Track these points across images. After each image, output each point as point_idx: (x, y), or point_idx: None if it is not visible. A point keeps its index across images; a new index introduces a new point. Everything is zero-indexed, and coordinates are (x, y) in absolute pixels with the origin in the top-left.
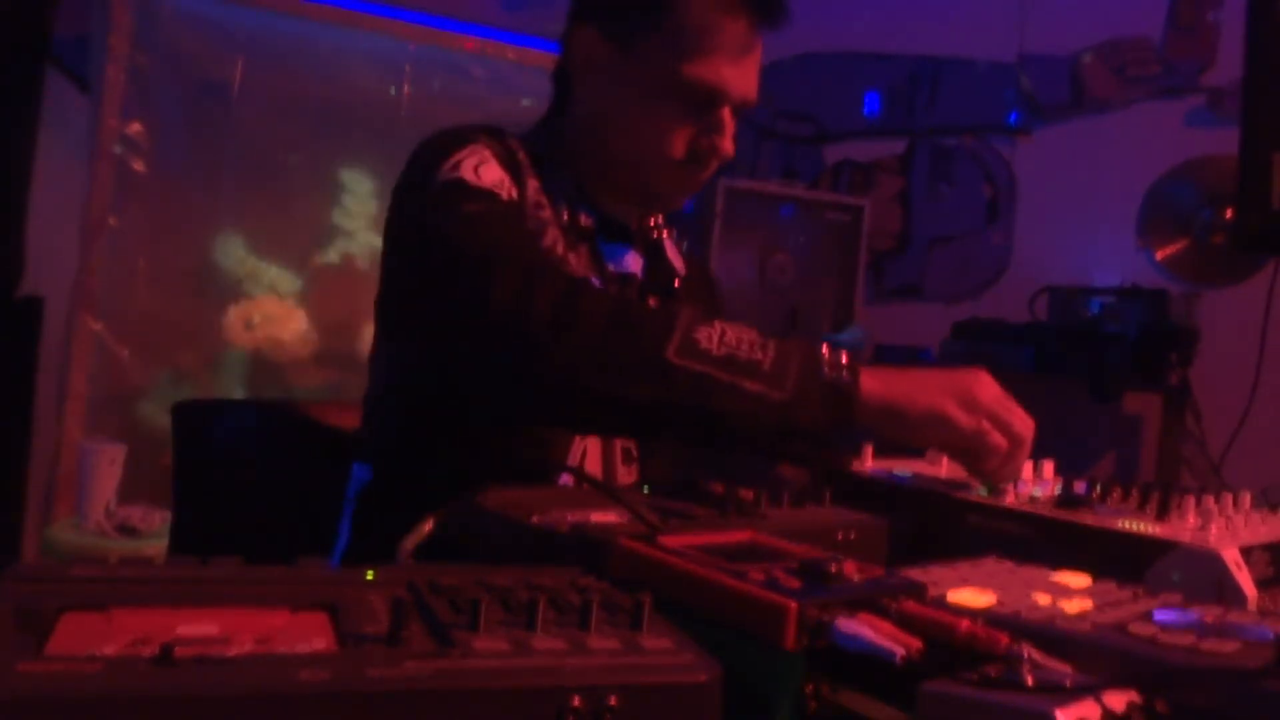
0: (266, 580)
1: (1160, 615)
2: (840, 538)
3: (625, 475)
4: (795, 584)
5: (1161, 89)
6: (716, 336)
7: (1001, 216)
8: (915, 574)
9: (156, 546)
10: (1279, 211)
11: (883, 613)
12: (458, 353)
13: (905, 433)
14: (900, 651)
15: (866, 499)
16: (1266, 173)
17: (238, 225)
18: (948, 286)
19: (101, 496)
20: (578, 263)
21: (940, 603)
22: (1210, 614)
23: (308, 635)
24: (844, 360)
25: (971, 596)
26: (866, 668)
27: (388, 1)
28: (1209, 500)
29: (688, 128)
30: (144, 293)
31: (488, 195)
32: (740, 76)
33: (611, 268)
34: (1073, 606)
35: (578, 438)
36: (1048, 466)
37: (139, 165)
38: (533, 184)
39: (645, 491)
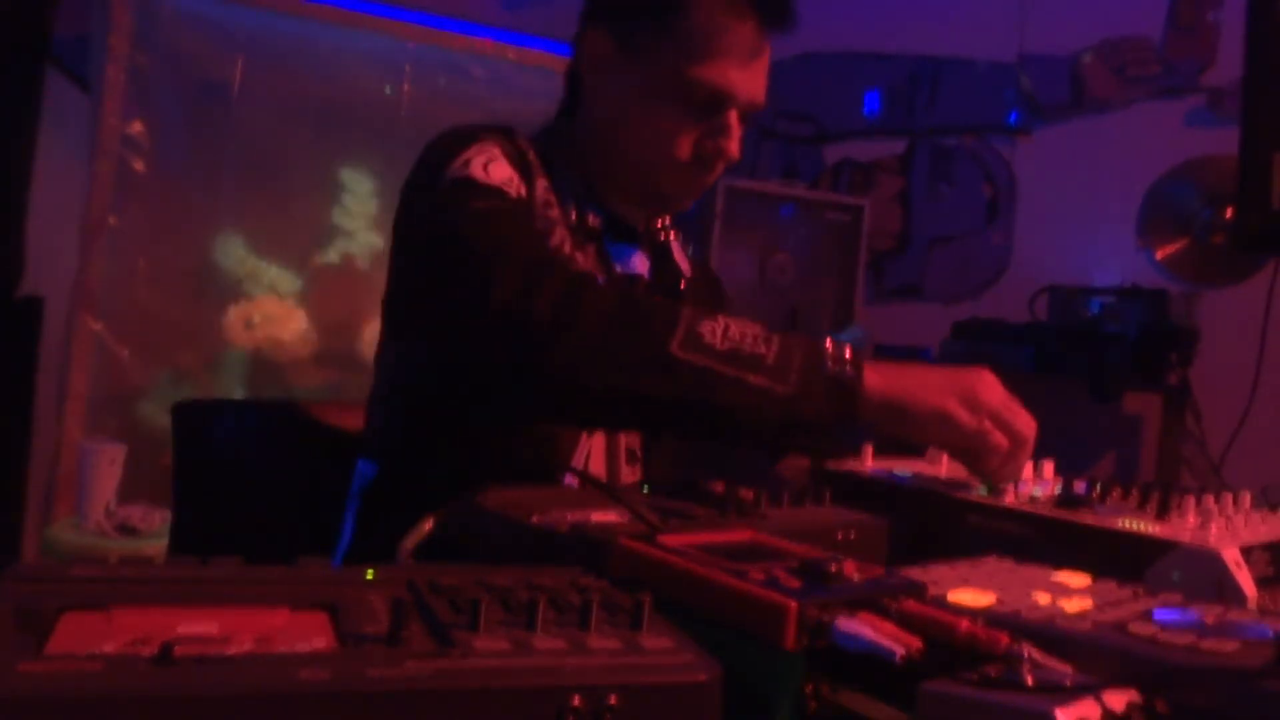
0: (266, 580)
1: (1160, 615)
2: (840, 538)
3: (629, 475)
4: (795, 584)
5: (1161, 89)
6: (720, 331)
7: (1001, 216)
8: (915, 574)
9: (156, 546)
10: (1279, 211)
11: (883, 612)
12: (463, 349)
13: (908, 429)
14: (900, 651)
15: (866, 499)
16: (1266, 173)
17: (238, 225)
18: (948, 286)
19: (101, 496)
20: (585, 262)
21: (940, 602)
22: (1210, 613)
23: (308, 635)
24: (847, 355)
25: (971, 596)
26: (866, 667)
27: (388, 1)
28: (1209, 500)
29: (694, 130)
30: (144, 293)
31: (496, 192)
32: (747, 80)
33: (618, 268)
34: (1073, 606)
35: (583, 437)
36: (1048, 466)
37: (139, 165)
38: (541, 183)
39: (645, 491)
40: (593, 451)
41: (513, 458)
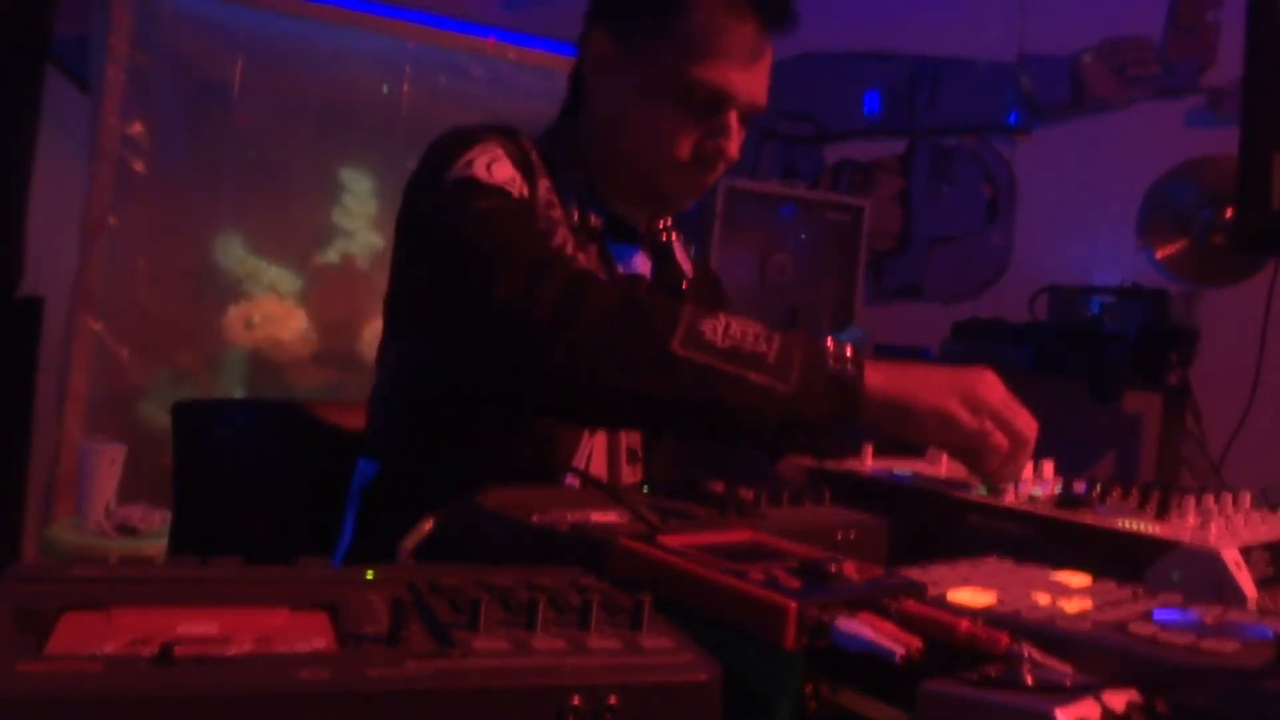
0: (266, 580)
1: (1160, 615)
2: (840, 538)
3: (630, 475)
4: (795, 584)
5: (1161, 89)
6: (721, 329)
7: (1001, 216)
8: (915, 574)
9: (156, 546)
10: (1279, 211)
11: (883, 612)
12: (465, 348)
13: (908, 429)
14: (900, 651)
15: (866, 499)
16: (1266, 173)
17: (238, 225)
18: (948, 286)
19: (101, 496)
20: (586, 263)
21: (940, 602)
22: (1210, 613)
23: (308, 635)
24: (849, 354)
25: (971, 596)
26: (866, 667)
27: (388, 1)
28: (1209, 500)
29: (694, 130)
30: (144, 293)
31: (499, 192)
32: (747, 80)
33: (620, 269)
34: (1073, 606)
35: (585, 437)
36: (1048, 466)
37: (139, 165)
38: (544, 184)
39: (645, 491)
40: (594, 452)
41: (513, 458)
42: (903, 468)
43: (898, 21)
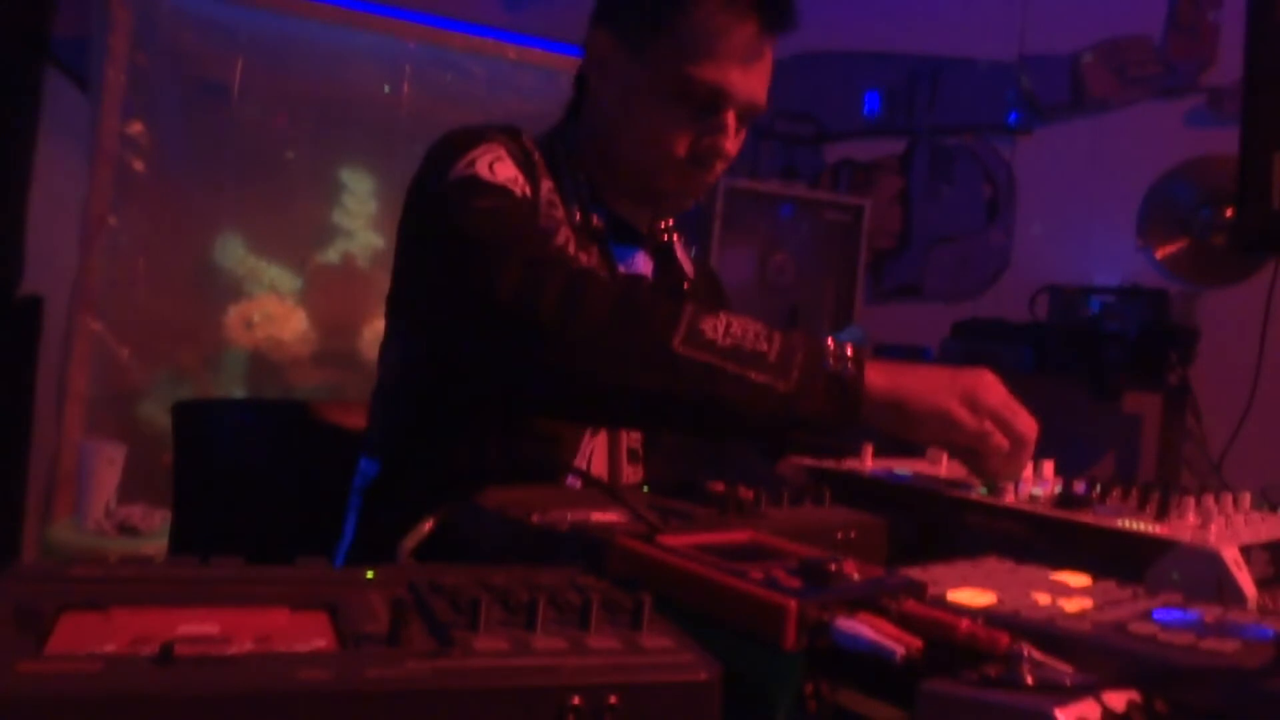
0: (266, 580)
1: (1160, 615)
2: (840, 538)
3: (631, 474)
4: (795, 584)
5: (1161, 89)
6: (722, 327)
7: (1001, 216)
8: (915, 574)
9: (156, 546)
10: (1279, 211)
11: (883, 612)
12: (466, 346)
13: (908, 428)
14: (900, 651)
15: (866, 499)
16: (1266, 173)
17: (238, 225)
18: (948, 286)
19: (101, 496)
20: (588, 263)
21: (940, 602)
22: (1210, 613)
23: (308, 635)
24: (849, 353)
25: (971, 596)
26: (866, 667)
27: (388, 1)
28: (1209, 500)
29: (691, 129)
30: (144, 293)
31: (501, 191)
32: (747, 80)
33: (622, 269)
34: (1073, 606)
35: (586, 437)
36: (1048, 466)
37: (139, 165)
38: (546, 184)
39: (645, 491)
40: (595, 451)
41: (514, 457)
42: (903, 468)
43: (898, 21)
